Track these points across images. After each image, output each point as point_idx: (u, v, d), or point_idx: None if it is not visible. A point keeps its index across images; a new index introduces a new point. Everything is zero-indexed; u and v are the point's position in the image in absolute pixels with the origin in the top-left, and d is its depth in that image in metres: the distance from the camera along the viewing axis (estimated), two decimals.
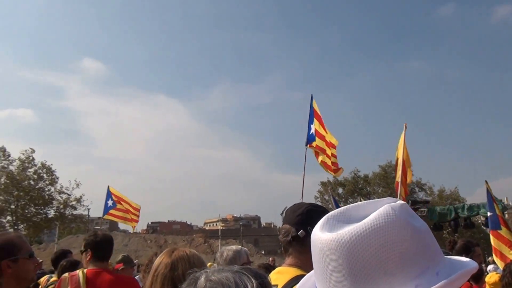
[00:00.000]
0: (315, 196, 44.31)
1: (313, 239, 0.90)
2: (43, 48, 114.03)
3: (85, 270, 3.40)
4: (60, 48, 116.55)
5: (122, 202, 14.12)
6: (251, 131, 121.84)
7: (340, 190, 44.72)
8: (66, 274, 3.39)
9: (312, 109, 10.35)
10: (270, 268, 4.92)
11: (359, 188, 44.41)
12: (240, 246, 3.74)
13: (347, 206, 0.92)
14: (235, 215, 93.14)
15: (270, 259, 15.70)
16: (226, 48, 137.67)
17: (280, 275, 2.03)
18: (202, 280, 0.89)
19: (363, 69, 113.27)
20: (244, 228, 52.24)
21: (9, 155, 33.56)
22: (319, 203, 7.92)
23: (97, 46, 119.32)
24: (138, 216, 14.42)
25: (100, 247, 3.53)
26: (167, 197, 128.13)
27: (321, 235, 0.87)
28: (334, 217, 0.90)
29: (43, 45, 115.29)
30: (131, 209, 14.28)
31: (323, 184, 43.92)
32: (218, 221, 57.19)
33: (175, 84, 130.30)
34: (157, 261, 2.09)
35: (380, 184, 44.38)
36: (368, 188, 44.65)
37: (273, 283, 1.67)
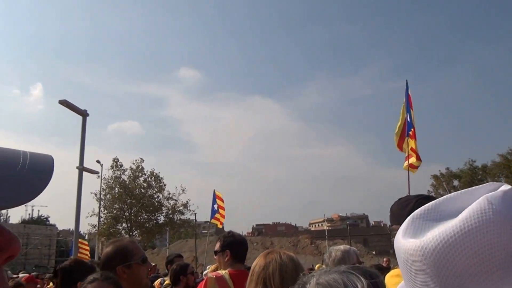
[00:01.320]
0: (428, 190, 41.84)
1: (396, 246, 0.74)
2: (144, 63, 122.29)
3: (227, 271, 3.32)
4: (158, 61, 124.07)
5: (221, 203, 14.28)
6: (352, 126, 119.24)
7: (456, 182, 41.92)
8: (211, 275, 3.32)
9: (407, 96, 9.86)
10: (383, 269, 4.72)
11: (478, 179, 41.03)
12: (348, 246, 3.62)
13: (439, 199, 0.75)
14: (341, 215, 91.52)
15: (385, 259, 14.75)
16: (319, 42, 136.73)
17: (400, 278, 1.68)
18: (311, 284, 0.87)
19: (471, 52, 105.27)
20: (352, 228, 50.85)
21: (121, 165, 35.85)
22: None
23: (192, 55, 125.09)
24: (223, 217, 14.51)
25: (238, 247, 3.44)
26: (270, 198, 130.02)
27: (403, 242, 0.71)
28: (421, 216, 0.74)
29: (144, 59, 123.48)
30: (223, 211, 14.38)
31: (435, 177, 41.52)
32: (323, 221, 56.55)
33: (269, 84, 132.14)
34: (254, 262, 2.17)
35: (502, 173, 40.83)
36: (489, 179, 41.24)
37: (394, 287, 1.38)
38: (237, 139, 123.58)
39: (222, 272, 3.32)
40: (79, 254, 14.05)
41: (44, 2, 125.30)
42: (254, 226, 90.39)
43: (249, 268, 3.40)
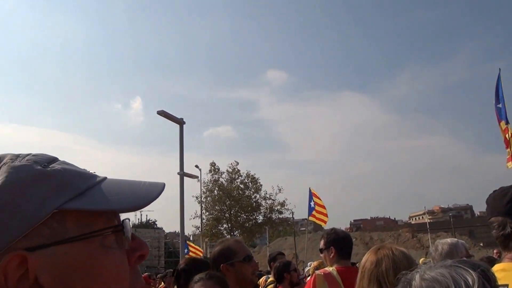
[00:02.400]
0: None
1: None
2: (232, 69, 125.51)
3: (334, 267, 3.32)
4: (245, 65, 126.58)
5: (318, 201, 14.19)
6: (449, 114, 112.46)
7: None
8: (319, 272, 3.35)
9: (499, 84, 9.24)
10: (494, 261, 4.37)
11: None
12: (456, 239, 3.50)
13: None
14: (442, 206, 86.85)
15: (495, 251, 13.69)
16: (404, 31, 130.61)
17: (506, 273, 1.82)
18: (416, 281, 0.83)
19: None
20: (455, 219, 48.02)
21: (218, 169, 37.27)
22: None
23: (277, 57, 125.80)
24: (326, 215, 14.31)
25: (342, 243, 3.44)
26: (366, 193, 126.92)
27: None
28: None
29: (232, 66, 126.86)
30: (323, 208, 14.24)
31: None
32: (424, 213, 53.89)
33: (357, 78, 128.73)
34: (364, 258, 2.13)
35: None
36: None
37: (500, 282, 1.36)
38: (329, 136, 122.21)
39: (329, 268, 3.33)
40: (190, 253, 14.85)
41: (138, 20, 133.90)
42: (352, 221, 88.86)
43: (355, 264, 3.38)
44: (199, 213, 34.89)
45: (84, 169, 0.68)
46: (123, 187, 0.67)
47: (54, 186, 0.61)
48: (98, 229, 0.62)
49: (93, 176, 0.67)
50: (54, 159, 0.66)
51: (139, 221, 73.34)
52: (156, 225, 70.60)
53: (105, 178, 0.68)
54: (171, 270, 10.81)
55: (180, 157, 13.39)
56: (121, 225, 0.66)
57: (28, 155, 0.64)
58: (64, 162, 0.67)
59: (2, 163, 0.62)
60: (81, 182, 0.64)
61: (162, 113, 12.83)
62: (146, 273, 13.62)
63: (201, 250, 16.94)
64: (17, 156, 0.64)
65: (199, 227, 34.98)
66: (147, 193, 0.66)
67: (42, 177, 0.61)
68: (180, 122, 13.50)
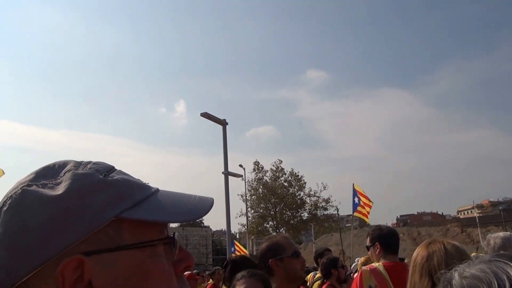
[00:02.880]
0: None
1: None
2: (272, 69, 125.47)
3: (381, 263, 3.33)
4: (285, 66, 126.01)
5: (362, 198, 14.07)
6: (493, 106, 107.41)
7: None
8: (365, 268, 3.35)
9: None
10: None
11: None
12: (508, 233, 3.40)
13: None
14: (491, 200, 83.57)
15: None
16: (445, 24, 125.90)
17: None
18: (456, 279, 0.78)
19: None
20: (506, 213, 46.01)
21: (262, 168, 37.55)
22: None
23: (316, 56, 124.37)
24: (368, 212, 14.16)
25: (387, 239, 3.44)
26: (412, 188, 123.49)
27: None
28: None
29: (272, 66, 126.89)
30: (367, 205, 14.10)
31: None
32: (473, 207, 52.03)
33: (396, 74, 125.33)
34: (415, 253, 2.11)
35: None
36: None
37: None
38: (371, 132, 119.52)
39: (376, 264, 3.32)
40: (236, 253, 15.12)
41: (179, 27, 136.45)
42: (398, 217, 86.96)
43: (403, 260, 3.37)
44: (244, 211, 35.32)
45: (138, 179, 0.72)
46: (175, 200, 0.71)
47: (113, 195, 0.64)
48: (150, 239, 0.66)
49: (148, 187, 0.71)
50: (112, 168, 0.70)
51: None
52: (203, 223, 71.82)
53: (158, 189, 0.73)
54: (219, 267, 11.07)
55: (224, 157, 13.61)
56: (173, 237, 0.70)
57: (89, 163, 0.69)
58: (121, 172, 0.71)
59: (66, 170, 0.67)
60: (137, 192, 0.67)
61: (205, 115, 13.12)
62: (195, 270, 13.96)
63: (246, 251, 17.17)
64: (80, 163, 0.68)
65: (245, 225, 35.35)
66: (198, 208, 0.70)
67: (103, 186, 0.64)
68: (223, 123, 13.74)
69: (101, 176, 0.65)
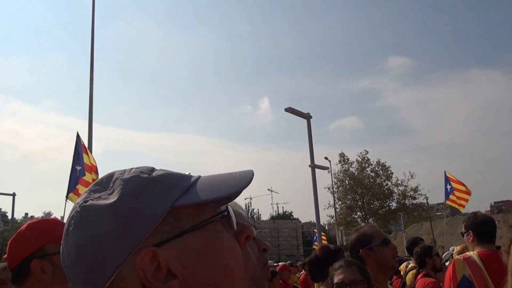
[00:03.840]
0: None
1: None
2: (352, 60, 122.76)
3: (476, 252, 3.25)
4: (365, 56, 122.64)
5: (456, 185, 13.56)
6: None
7: None
8: (459, 257, 3.31)
9: None
10: None
11: None
12: None
13: None
14: None
15: None
16: None
17: None
18: None
19: None
20: None
21: (347, 159, 37.27)
22: None
23: (396, 43, 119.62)
24: (466, 200, 13.51)
25: (482, 227, 3.37)
26: (504, 174, 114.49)
27: None
28: None
29: (350, 57, 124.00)
30: (463, 193, 13.52)
31: None
32: None
33: (486, 54, 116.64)
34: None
35: None
36: None
37: None
38: (460, 117, 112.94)
39: (471, 253, 3.24)
40: (316, 243, 15.37)
41: (258, 27, 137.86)
42: (492, 203, 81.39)
43: (500, 248, 3.27)
44: (332, 203, 35.68)
45: (179, 172, 0.77)
46: (217, 180, 0.75)
47: (163, 188, 0.69)
48: (207, 217, 0.71)
49: (190, 176, 0.76)
50: (154, 168, 0.75)
51: (276, 213, 75.89)
52: (292, 216, 72.19)
53: (200, 176, 0.77)
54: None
55: (310, 150, 13.83)
56: (226, 211, 0.74)
57: (132, 168, 0.74)
58: (163, 169, 0.75)
59: (113, 179, 0.72)
60: (183, 181, 0.73)
61: (290, 110, 13.41)
62: (288, 261, 14.26)
63: (325, 240, 17.41)
64: (124, 171, 0.74)
65: (333, 216, 35.64)
66: (239, 182, 0.74)
67: (151, 183, 0.70)
68: (307, 117, 13.96)
69: (146, 175, 0.71)
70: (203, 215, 0.71)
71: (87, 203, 0.69)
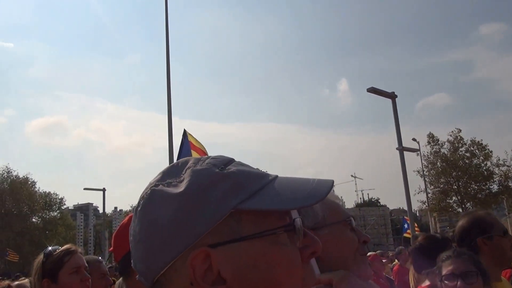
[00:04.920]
0: None
1: None
2: (435, 31, 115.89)
3: None
4: (452, 26, 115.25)
5: None
6: None
7: None
8: None
9: None
10: None
11: None
12: None
13: None
14: None
15: None
16: None
17: None
18: None
19: None
20: None
21: (437, 140, 35.21)
22: None
23: (488, 9, 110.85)
24: None
25: None
26: None
27: None
28: None
29: (434, 28, 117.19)
30: None
31: None
32: None
33: None
34: None
35: None
36: None
37: None
38: None
39: None
40: (408, 231, 14.43)
41: (326, 8, 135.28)
42: None
43: None
44: (423, 187, 33.95)
45: (257, 169, 0.73)
46: (293, 185, 0.70)
47: (230, 187, 0.67)
48: (270, 228, 0.66)
49: (265, 175, 0.72)
50: (231, 161, 0.72)
51: (361, 200, 74.26)
52: (379, 203, 70.28)
53: (276, 176, 0.73)
54: (402, 247, 10.60)
55: (397, 132, 13.20)
56: (292, 224, 0.68)
57: (208, 158, 0.72)
58: (239, 163, 0.73)
59: (186, 167, 0.70)
60: (253, 182, 0.69)
61: (372, 90, 12.83)
62: (379, 251, 13.64)
63: (417, 230, 16.26)
64: (199, 159, 0.72)
65: (425, 201, 33.85)
66: (315, 192, 0.68)
67: (220, 179, 0.67)
68: (392, 96, 13.25)
69: (217, 170, 0.68)
70: (266, 223, 0.67)
71: (158, 188, 0.69)
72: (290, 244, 0.68)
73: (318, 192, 0.68)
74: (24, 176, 44.18)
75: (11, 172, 43.78)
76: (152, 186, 0.70)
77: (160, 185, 0.69)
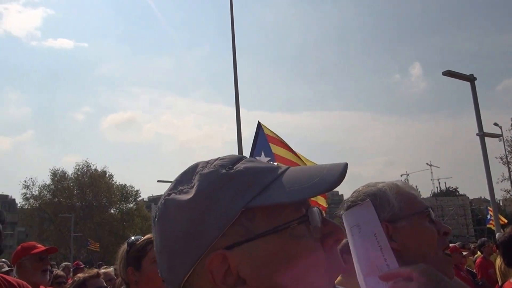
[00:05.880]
0: None
1: None
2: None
3: None
4: None
5: None
6: None
7: None
8: None
9: None
10: None
11: None
12: None
13: None
14: None
15: None
16: None
17: None
18: None
19: None
20: None
21: None
22: None
23: None
24: None
25: None
26: None
27: None
28: None
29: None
30: None
31: None
32: None
33: None
34: None
35: None
36: None
37: None
38: None
39: None
40: (491, 222, 13.54)
41: None
42: None
43: None
44: (506, 175, 31.76)
45: (266, 163, 0.72)
46: (303, 175, 0.69)
47: (238, 187, 0.66)
48: (285, 221, 0.66)
49: (275, 168, 0.71)
50: (239, 159, 0.71)
51: (438, 189, 71.08)
52: (458, 192, 66.85)
53: (288, 168, 0.72)
54: (486, 238, 10.04)
55: (476, 117, 12.57)
56: (307, 215, 0.67)
57: (216, 159, 0.72)
58: (249, 160, 0.72)
59: (196, 173, 0.70)
60: (262, 178, 0.68)
61: (448, 73, 12.29)
62: (458, 243, 13.03)
63: (504, 220, 15.05)
64: (207, 163, 0.72)
65: (509, 190, 31.77)
66: (327, 178, 0.67)
67: (226, 180, 0.67)
68: (471, 79, 12.60)
69: (223, 171, 0.68)
70: (280, 217, 0.66)
71: (170, 197, 0.70)
72: (309, 235, 0.67)
73: (330, 179, 0.66)
74: (102, 170, 46.81)
75: (90, 166, 46.54)
76: (165, 196, 0.71)
77: (172, 194, 0.70)
